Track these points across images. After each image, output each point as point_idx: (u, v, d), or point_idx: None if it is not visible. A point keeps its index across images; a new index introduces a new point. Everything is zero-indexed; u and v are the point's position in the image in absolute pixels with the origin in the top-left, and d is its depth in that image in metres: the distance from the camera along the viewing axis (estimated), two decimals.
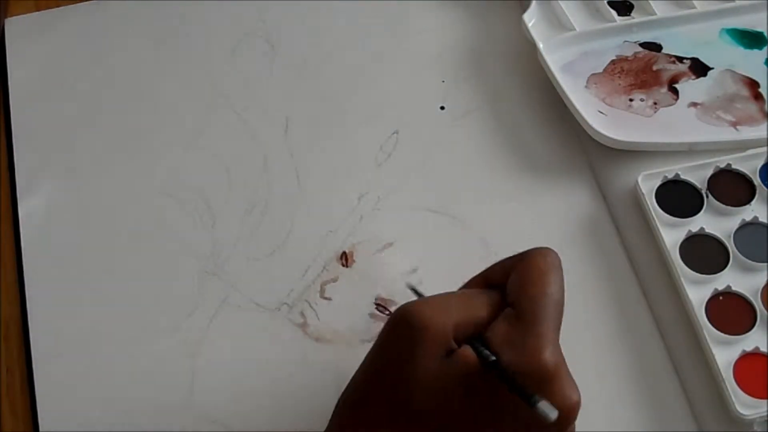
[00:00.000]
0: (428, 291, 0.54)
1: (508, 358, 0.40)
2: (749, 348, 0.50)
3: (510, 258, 0.44)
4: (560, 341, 0.53)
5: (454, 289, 0.53)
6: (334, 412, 0.44)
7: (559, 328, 0.41)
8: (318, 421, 0.44)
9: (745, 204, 0.55)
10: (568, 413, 0.40)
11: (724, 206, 0.55)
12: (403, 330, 0.41)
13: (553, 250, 0.43)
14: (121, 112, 0.62)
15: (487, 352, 0.40)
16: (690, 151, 0.58)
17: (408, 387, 0.40)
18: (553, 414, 0.37)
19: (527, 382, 0.39)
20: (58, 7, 0.67)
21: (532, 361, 0.40)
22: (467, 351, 0.40)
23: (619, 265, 0.56)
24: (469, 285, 0.46)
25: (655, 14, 0.65)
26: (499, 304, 0.43)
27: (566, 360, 0.53)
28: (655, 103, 0.61)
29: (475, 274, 0.52)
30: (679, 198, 0.56)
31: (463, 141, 0.61)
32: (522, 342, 0.40)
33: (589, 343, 0.53)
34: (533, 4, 0.64)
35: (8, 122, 0.61)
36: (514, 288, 0.42)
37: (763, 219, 0.55)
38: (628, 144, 0.58)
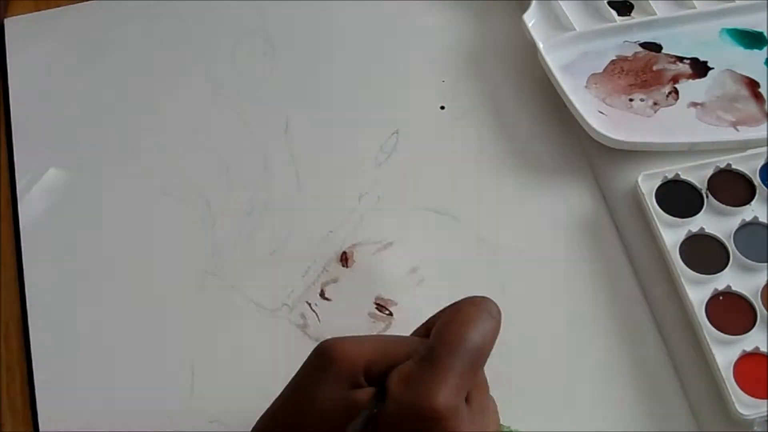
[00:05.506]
0: (428, 290, 0.54)
1: (401, 396, 0.39)
2: (749, 348, 0.50)
3: (451, 305, 0.43)
4: (559, 340, 0.53)
5: (453, 286, 0.53)
6: None
7: (471, 373, 0.40)
8: None
9: (745, 204, 0.55)
10: None
11: (724, 206, 0.55)
12: (317, 360, 0.41)
13: (490, 301, 0.42)
14: (120, 112, 0.62)
15: (376, 401, 0.39)
16: (690, 151, 0.58)
17: (309, 412, 0.40)
18: None
19: (414, 424, 0.38)
20: (58, 7, 0.67)
21: (423, 402, 0.38)
22: (364, 393, 0.40)
23: (619, 265, 0.56)
24: (414, 333, 0.45)
25: (655, 14, 0.65)
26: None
27: (566, 360, 0.53)
28: (656, 103, 0.61)
29: (474, 274, 0.51)
30: (679, 198, 0.56)
31: (462, 141, 0.61)
32: (418, 382, 0.39)
33: (589, 344, 0.53)
34: (533, 4, 0.64)
35: (8, 122, 0.61)
36: (434, 331, 0.41)
37: (763, 219, 0.55)
38: (628, 144, 0.58)
